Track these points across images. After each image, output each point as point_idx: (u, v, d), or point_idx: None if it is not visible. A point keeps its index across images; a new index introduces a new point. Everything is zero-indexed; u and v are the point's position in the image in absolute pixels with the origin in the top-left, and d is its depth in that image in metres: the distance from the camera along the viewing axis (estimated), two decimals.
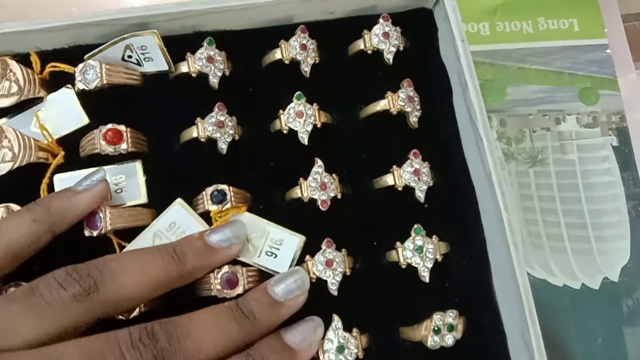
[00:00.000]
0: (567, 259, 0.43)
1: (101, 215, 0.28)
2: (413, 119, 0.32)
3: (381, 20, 0.32)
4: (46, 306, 0.22)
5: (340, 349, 0.28)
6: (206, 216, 0.30)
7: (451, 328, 0.29)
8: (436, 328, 0.29)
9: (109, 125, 0.29)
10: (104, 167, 0.30)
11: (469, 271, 0.31)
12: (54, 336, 0.22)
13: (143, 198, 0.30)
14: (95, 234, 0.28)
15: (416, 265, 0.30)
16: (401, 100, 0.31)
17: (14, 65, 0.30)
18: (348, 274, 0.30)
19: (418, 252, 0.30)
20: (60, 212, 0.26)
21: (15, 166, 0.29)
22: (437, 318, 0.29)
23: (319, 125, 0.31)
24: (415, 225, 0.30)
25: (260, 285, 0.27)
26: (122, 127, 0.30)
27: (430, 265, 0.30)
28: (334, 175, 0.31)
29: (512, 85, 0.46)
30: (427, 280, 0.30)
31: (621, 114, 0.47)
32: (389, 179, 0.31)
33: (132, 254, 0.26)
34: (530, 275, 0.42)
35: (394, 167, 0.31)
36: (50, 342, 0.22)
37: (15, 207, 0.29)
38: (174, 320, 0.24)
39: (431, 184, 0.31)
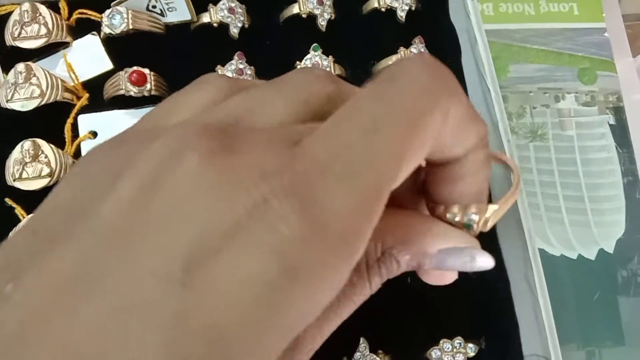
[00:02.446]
0: (564, 230, 0.45)
1: None
2: None
3: None
4: None
5: None
6: None
7: None
8: None
9: (134, 68, 0.31)
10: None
11: None
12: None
13: None
14: None
15: None
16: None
17: (43, 9, 0.32)
18: None
19: None
20: None
21: (42, 103, 0.30)
22: None
23: None
24: None
25: None
26: (146, 70, 0.31)
27: None
28: None
29: (514, 63, 0.48)
30: None
31: (618, 94, 0.49)
32: None
33: None
34: None
35: None
36: None
37: (40, 142, 0.30)
38: None
39: None
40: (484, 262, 0.20)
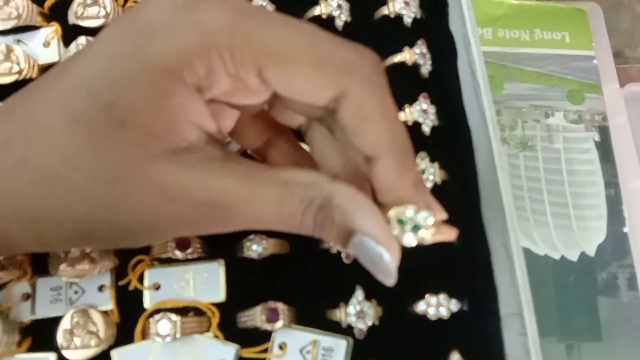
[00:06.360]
0: (549, 232, 0.49)
1: None
2: (424, 71, 0.38)
3: None
4: None
5: None
6: None
7: None
8: None
9: None
10: None
11: (462, 196, 0.37)
12: None
13: None
14: None
15: None
16: (416, 54, 0.38)
17: None
18: None
19: (422, 174, 0.36)
20: None
21: (20, 78, 0.33)
22: None
23: None
24: (421, 152, 0.36)
25: None
26: None
27: (430, 186, 0.36)
28: None
29: (508, 82, 0.53)
30: None
31: (603, 115, 0.53)
32: (401, 115, 0.37)
33: None
34: None
35: (406, 105, 0.37)
36: None
37: None
38: None
39: (436, 124, 0.37)
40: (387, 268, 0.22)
